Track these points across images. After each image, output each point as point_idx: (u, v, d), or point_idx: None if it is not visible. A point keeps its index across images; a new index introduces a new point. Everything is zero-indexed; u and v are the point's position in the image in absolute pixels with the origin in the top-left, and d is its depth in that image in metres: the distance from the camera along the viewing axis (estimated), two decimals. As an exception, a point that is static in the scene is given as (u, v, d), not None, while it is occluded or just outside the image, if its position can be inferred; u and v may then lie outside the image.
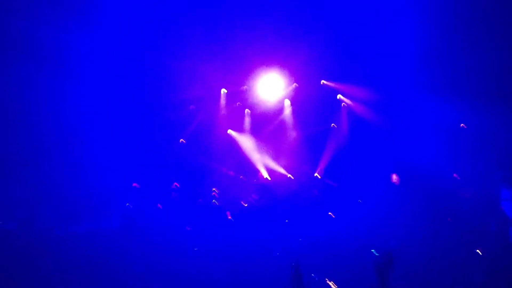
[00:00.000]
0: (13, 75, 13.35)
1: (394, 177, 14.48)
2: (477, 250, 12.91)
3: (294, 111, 15.17)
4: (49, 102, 13.69)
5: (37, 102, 13.77)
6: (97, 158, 14.16)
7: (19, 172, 13.78)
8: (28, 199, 13.67)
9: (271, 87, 14.99)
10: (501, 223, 13.44)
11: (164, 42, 13.88)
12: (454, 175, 14.03)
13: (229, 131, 15.14)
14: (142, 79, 14.16)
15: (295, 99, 15.18)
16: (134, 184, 14.56)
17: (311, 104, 15.10)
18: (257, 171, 15.11)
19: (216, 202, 14.58)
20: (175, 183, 14.61)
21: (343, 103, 15.03)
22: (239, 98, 15.20)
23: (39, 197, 13.73)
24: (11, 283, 12.16)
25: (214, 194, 14.66)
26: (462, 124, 14.27)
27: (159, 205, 14.23)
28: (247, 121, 15.19)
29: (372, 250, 12.88)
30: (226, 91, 15.01)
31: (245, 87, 15.01)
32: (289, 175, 14.89)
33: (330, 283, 12.65)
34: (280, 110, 15.27)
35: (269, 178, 14.83)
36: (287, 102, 15.15)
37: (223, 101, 15.05)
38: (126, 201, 14.14)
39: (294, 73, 14.91)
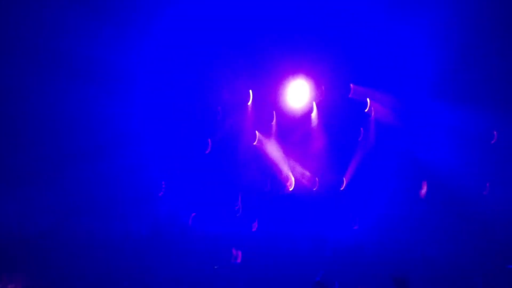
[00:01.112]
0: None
1: (424, 189, 14.18)
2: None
3: (322, 118, 15.01)
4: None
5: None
6: (140, 159, 14.40)
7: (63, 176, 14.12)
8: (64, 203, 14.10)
9: (299, 94, 14.91)
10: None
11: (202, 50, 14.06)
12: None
13: (257, 137, 15.17)
14: (168, 83, 14.41)
15: (324, 107, 15.04)
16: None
17: (340, 110, 14.92)
18: (283, 179, 15.09)
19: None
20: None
21: (368, 109, 14.80)
22: (268, 104, 15.18)
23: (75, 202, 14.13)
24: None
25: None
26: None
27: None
28: (275, 127, 15.18)
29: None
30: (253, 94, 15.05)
31: (273, 93, 15.01)
32: (314, 185, 14.82)
33: None
34: (308, 116, 15.14)
35: (291, 186, 14.80)
36: (315, 108, 15.03)
37: (251, 107, 15.11)
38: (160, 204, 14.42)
39: (323, 80, 14.78)
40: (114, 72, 13.93)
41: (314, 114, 14.93)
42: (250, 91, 14.94)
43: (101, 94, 13.95)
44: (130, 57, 13.87)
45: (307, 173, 14.84)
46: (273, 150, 14.97)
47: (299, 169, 14.94)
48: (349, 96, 14.63)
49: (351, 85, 14.81)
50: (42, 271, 13.19)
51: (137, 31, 13.75)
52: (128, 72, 14.03)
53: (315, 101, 14.88)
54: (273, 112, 15.13)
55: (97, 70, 13.73)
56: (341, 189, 14.61)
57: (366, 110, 14.66)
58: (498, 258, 13.37)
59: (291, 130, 15.20)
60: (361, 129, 14.99)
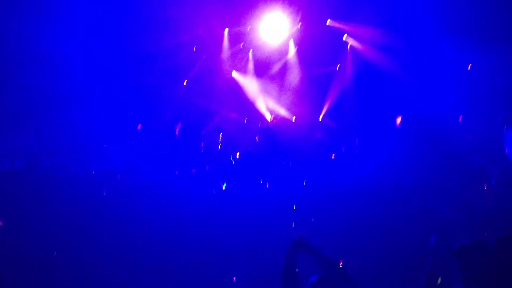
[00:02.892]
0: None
1: (399, 119, 14.04)
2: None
3: (299, 52, 14.69)
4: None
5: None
6: (94, 104, 13.97)
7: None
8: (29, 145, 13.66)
9: (275, 27, 14.52)
10: (503, 165, 12.96)
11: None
12: (459, 118, 13.52)
13: (233, 73, 14.84)
14: (139, 24, 13.84)
15: (300, 40, 14.69)
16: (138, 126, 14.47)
17: (316, 45, 14.60)
18: (261, 114, 14.88)
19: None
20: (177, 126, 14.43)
21: (349, 45, 14.48)
22: (243, 39, 14.81)
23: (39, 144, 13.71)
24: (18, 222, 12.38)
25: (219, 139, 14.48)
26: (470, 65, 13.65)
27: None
28: (251, 62, 14.87)
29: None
30: (228, 30, 14.62)
31: (248, 27, 14.60)
32: (292, 118, 14.62)
33: None
34: (285, 51, 14.82)
35: (269, 120, 14.59)
36: (292, 43, 14.69)
37: (226, 42, 14.71)
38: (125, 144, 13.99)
39: (299, 12, 14.36)
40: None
41: (290, 48, 14.58)
42: (226, 30, 14.46)
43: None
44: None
45: (285, 107, 14.62)
46: (250, 85, 14.68)
47: (275, 104, 14.71)
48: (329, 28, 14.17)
49: (329, 20, 14.36)
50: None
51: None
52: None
53: (291, 34, 14.46)
54: (249, 47, 14.70)
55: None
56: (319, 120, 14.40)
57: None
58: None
59: (268, 64, 14.83)
60: (338, 65, 14.60)
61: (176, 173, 12.75)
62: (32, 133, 13.94)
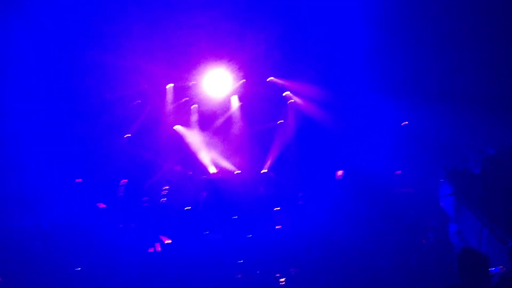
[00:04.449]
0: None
1: (339, 172, 14.49)
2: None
3: (242, 107, 15.05)
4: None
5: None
6: (35, 156, 13.57)
7: None
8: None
9: (219, 83, 14.87)
10: (441, 219, 13.52)
11: (102, 38, 13.49)
12: (397, 172, 14.11)
13: (176, 127, 14.93)
14: (82, 77, 13.74)
15: (243, 95, 15.08)
16: (78, 180, 14.13)
17: (259, 100, 15.03)
18: (205, 167, 14.93)
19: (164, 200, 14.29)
20: (123, 180, 14.23)
21: (290, 101, 15.02)
22: (186, 94, 15.03)
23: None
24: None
25: (163, 193, 14.36)
26: (404, 123, 14.41)
27: (100, 204, 13.77)
28: (195, 116, 15.05)
29: None
30: (172, 86, 14.80)
31: (192, 82, 14.86)
32: (236, 171, 14.76)
33: None
34: (228, 106, 15.14)
35: (215, 172, 14.67)
36: (235, 98, 15.05)
37: (169, 96, 14.88)
38: (67, 197, 13.59)
39: (242, 69, 14.80)
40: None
41: (234, 103, 14.92)
42: (169, 85, 14.64)
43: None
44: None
45: (229, 160, 14.78)
46: (194, 138, 14.79)
47: (219, 157, 14.85)
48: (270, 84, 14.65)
49: (270, 77, 14.87)
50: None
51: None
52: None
53: (234, 89, 14.83)
54: (192, 102, 14.91)
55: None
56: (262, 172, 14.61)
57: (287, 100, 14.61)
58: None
59: (212, 118, 15.06)
60: (280, 120, 15.05)
61: (121, 226, 12.50)
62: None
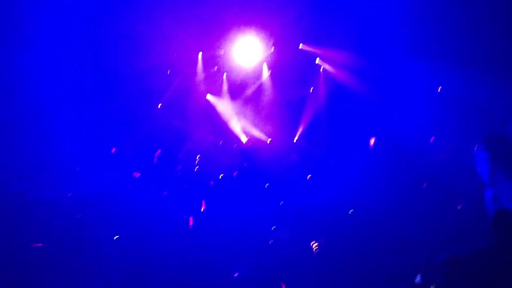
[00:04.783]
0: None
1: (372, 141, 14.30)
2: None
3: (273, 75, 14.91)
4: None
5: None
6: (72, 127, 13.84)
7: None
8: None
9: (249, 51, 14.74)
10: (476, 185, 13.26)
11: (135, 8, 13.49)
12: (431, 138, 13.84)
13: (208, 96, 14.95)
14: (114, 46, 13.82)
15: (274, 63, 14.93)
16: (113, 150, 14.36)
17: (290, 68, 14.86)
18: (236, 136, 14.96)
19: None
20: (158, 152, 14.38)
21: (321, 68, 14.79)
22: (217, 63, 14.96)
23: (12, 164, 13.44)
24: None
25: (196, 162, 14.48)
26: (439, 88, 14.05)
27: (135, 174, 13.96)
28: (225, 85, 15.00)
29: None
30: (202, 54, 14.75)
31: (222, 51, 14.76)
32: (267, 140, 14.75)
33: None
34: (259, 74, 15.02)
35: (244, 142, 14.68)
36: (265, 66, 14.92)
37: (200, 65, 14.84)
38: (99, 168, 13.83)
39: (272, 36, 14.61)
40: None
41: (264, 71, 14.79)
42: (200, 53, 14.59)
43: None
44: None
45: (260, 129, 14.75)
46: (225, 107, 14.79)
47: (250, 126, 14.84)
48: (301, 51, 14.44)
49: (301, 44, 14.64)
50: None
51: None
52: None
53: (265, 57, 14.67)
54: (223, 70, 14.85)
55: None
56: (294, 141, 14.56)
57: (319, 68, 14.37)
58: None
59: (242, 87, 14.99)
60: (311, 88, 14.87)
61: (165, 193, 12.70)
62: (2, 158, 13.67)
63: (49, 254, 10.97)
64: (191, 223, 12.81)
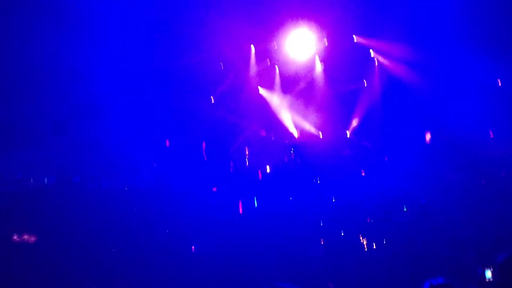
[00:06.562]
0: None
1: (428, 136, 13.93)
2: None
3: (326, 69, 14.72)
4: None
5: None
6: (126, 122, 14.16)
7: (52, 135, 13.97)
8: (61, 158, 13.91)
9: (301, 44, 14.58)
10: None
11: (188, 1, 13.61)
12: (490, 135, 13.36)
13: (260, 90, 14.95)
14: (169, 42, 13.99)
15: (327, 57, 14.73)
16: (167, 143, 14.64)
17: (343, 61, 14.62)
18: (288, 130, 14.92)
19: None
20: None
21: (376, 61, 14.48)
22: (269, 56, 14.90)
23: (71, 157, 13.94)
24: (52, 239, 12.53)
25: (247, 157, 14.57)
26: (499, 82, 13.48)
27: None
28: (277, 79, 14.94)
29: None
30: (255, 48, 14.73)
31: (275, 44, 14.69)
32: (319, 135, 14.62)
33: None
34: (311, 67, 14.86)
35: (297, 137, 14.60)
36: (318, 60, 14.74)
37: (253, 59, 14.83)
38: (156, 160, 14.18)
39: (325, 28, 14.40)
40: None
41: (317, 64, 14.61)
42: (252, 46, 14.58)
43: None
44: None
45: (312, 124, 14.62)
46: (277, 102, 14.74)
47: (302, 121, 14.74)
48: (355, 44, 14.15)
49: (355, 36, 14.37)
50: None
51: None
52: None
53: (317, 50, 14.49)
54: (275, 64, 14.78)
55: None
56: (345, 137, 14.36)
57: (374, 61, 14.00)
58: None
59: (294, 81, 14.88)
60: (365, 82, 14.59)
61: (214, 190, 12.89)
62: (63, 149, 14.20)
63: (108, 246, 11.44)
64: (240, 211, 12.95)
